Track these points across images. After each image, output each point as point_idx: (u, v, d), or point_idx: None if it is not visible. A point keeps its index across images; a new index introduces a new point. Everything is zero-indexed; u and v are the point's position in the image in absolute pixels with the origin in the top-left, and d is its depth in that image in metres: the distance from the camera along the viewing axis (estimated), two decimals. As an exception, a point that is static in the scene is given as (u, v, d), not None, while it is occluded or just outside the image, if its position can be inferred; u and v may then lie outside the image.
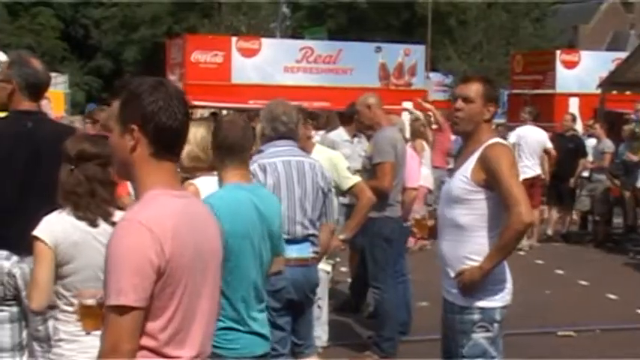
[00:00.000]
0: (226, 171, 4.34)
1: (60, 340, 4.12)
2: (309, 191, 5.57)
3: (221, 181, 4.38)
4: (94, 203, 4.03)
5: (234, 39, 27.91)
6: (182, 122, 2.78)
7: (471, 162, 4.71)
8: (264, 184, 5.32)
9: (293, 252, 5.25)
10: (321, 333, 6.80)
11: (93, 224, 4.04)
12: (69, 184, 4.06)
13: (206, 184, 4.68)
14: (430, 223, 5.46)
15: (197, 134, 5.13)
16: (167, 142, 2.76)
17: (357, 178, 6.99)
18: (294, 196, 5.49)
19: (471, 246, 4.70)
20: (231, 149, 4.34)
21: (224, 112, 24.47)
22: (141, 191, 2.76)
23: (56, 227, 4.03)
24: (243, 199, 4.23)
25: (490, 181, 4.64)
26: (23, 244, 4.82)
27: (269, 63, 26.91)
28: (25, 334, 4.98)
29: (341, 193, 7.08)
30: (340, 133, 10.31)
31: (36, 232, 4.03)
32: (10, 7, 51.46)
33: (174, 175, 2.82)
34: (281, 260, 4.63)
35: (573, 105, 22.91)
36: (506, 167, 4.61)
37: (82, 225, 4.03)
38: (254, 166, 5.32)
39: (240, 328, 4.19)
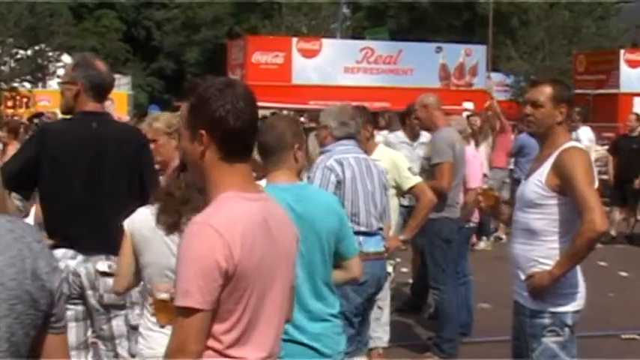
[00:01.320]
0: (267, 172, 4.24)
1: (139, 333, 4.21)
2: (377, 187, 5.69)
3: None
4: (184, 210, 4.00)
5: (294, 40, 28.05)
6: (250, 123, 2.76)
7: (546, 166, 4.64)
8: (343, 177, 5.45)
9: (371, 246, 5.32)
10: (382, 334, 6.80)
11: (168, 231, 4.04)
12: (169, 185, 4.12)
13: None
14: (497, 193, 5.33)
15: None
16: (236, 145, 2.75)
17: (417, 179, 6.99)
18: (367, 188, 5.58)
19: (542, 250, 4.65)
20: (264, 150, 4.24)
21: (284, 112, 24.57)
22: (213, 194, 2.75)
23: (136, 218, 4.15)
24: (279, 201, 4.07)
25: (564, 186, 4.56)
26: (88, 244, 4.91)
27: (329, 63, 26.99)
28: (89, 332, 5.05)
29: (402, 193, 7.08)
30: (398, 135, 10.29)
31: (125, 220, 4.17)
32: (75, 10, 52.18)
33: (246, 176, 2.80)
34: (354, 264, 4.37)
35: (638, 104, 22.61)
36: (581, 173, 4.51)
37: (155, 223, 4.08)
38: (330, 162, 5.48)
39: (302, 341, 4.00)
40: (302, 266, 3.99)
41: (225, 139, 2.73)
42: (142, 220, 4.11)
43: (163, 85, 57.58)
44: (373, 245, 5.52)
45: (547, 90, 4.75)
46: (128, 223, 4.13)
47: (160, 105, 31.99)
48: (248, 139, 2.79)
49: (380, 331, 6.75)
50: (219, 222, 2.64)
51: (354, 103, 7.23)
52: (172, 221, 3.98)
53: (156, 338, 3.97)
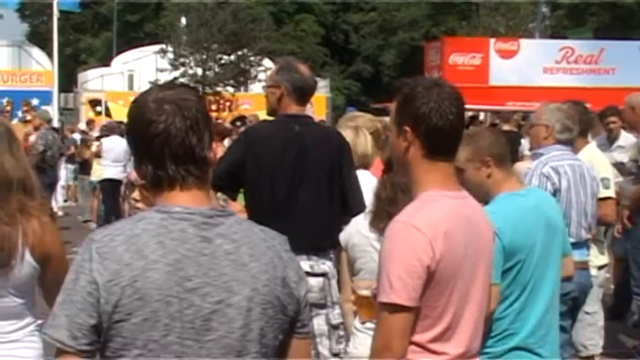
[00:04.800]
0: (497, 182, 4.00)
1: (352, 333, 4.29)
2: (589, 195, 5.60)
3: (490, 193, 4.04)
4: (390, 213, 4.00)
5: (492, 40, 27.72)
6: (454, 123, 2.80)
7: None
8: (559, 186, 5.39)
9: (576, 255, 5.20)
10: (598, 339, 6.63)
11: (381, 235, 4.06)
12: (377, 187, 4.17)
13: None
14: None
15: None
16: (439, 143, 2.80)
17: (608, 192, 6.58)
18: (580, 199, 5.47)
19: None
20: (502, 159, 4.04)
21: (481, 114, 24.33)
22: (416, 191, 2.82)
23: (348, 229, 4.27)
24: (522, 208, 3.92)
25: None
26: (291, 243, 5.01)
27: (528, 64, 26.51)
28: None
29: None
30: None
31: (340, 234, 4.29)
32: (276, 15, 53.59)
33: (449, 175, 2.85)
34: (569, 263, 4.31)
35: None
36: None
37: (364, 229, 4.13)
38: (547, 169, 5.43)
39: (530, 347, 3.84)
40: (548, 269, 3.90)
41: (428, 136, 2.78)
42: (352, 229, 4.22)
43: (360, 88, 58.16)
44: (578, 254, 5.32)
45: None
46: (342, 237, 4.26)
47: (357, 107, 32.32)
48: (452, 138, 2.84)
49: (596, 337, 6.58)
50: (421, 220, 2.69)
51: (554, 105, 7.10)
52: (383, 225, 3.94)
53: (362, 339, 4.02)
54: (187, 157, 2.24)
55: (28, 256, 3.31)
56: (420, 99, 2.78)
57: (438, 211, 2.73)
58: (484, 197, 3.97)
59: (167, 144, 2.22)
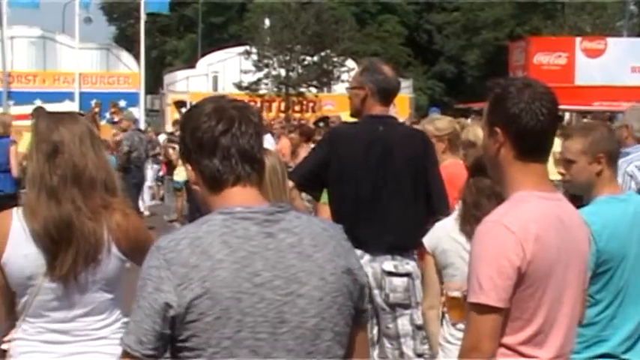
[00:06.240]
0: (604, 181, 3.90)
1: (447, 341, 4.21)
2: None
3: (593, 191, 3.94)
4: (477, 217, 3.78)
5: (578, 39, 27.40)
6: (545, 124, 2.75)
7: None
8: None
9: None
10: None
11: (469, 237, 4.01)
12: (463, 192, 4.11)
13: None
14: None
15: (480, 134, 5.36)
16: (531, 144, 2.76)
17: None
18: None
19: None
20: (614, 158, 3.96)
21: (567, 114, 24.00)
22: (508, 192, 2.79)
23: (435, 234, 4.18)
24: (622, 214, 3.83)
25: None
26: (375, 244, 5.03)
27: (615, 63, 26.12)
28: (376, 330, 5.16)
29: None
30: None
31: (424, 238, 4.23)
32: (359, 16, 53.64)
33: (542, 176, 2.80)
34: None
35: None
36: None
37: (455, 234, 4.08)
38: (631, 167, 5.35)
39: (618, 355, 3.79)
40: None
41: (519, 137, 2.74)
42: (440, 234, 4.14)
43: (444, 88, 57.86)
44: None
45: None
46: (428, 241, 4.18)
47: (441, 108, 32.16)
48: (543, 139, 2.79)
49: None
50: (512, 220, 2.66)
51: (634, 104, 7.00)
52: (471, 228, 3.76)
53: (452, 350, 3.97)
54: (250, 156, 2.36)
55: (114, 250, 3.38)
56: (511, 99, 2.74)
57: (529, 211, 2.70)
58: (586, 193, 3.91)
59: (234, 142, 2.34)
